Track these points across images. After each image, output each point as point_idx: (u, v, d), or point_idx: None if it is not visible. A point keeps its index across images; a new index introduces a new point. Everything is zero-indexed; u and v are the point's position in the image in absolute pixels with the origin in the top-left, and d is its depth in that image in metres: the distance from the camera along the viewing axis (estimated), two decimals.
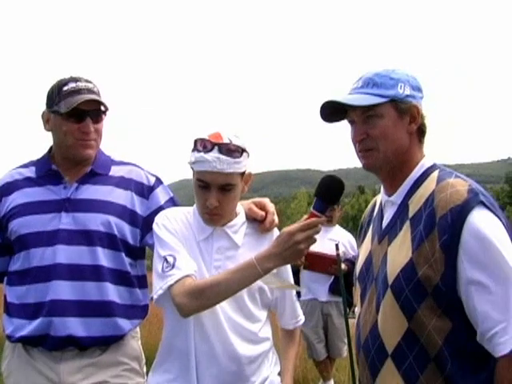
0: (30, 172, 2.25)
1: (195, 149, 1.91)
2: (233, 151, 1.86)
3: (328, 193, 1.79)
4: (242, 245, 1.99)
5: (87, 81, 2.19)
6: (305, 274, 5.61)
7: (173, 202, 2.32)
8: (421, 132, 1.65)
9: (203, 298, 1.82)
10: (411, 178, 1.64)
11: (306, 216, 1.81)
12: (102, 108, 2.18)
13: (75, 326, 2.08)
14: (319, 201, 1.78)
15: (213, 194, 1.88)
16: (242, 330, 1.95)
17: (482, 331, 1.45)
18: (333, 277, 5.43)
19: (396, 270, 1.55)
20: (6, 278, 2.24)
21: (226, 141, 1.86)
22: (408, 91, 1.62)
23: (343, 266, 4.99)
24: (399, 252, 1.57)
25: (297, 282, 5.84)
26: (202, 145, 1.88)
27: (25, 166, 2.29)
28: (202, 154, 1.86)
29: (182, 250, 1.91)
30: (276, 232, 2.07)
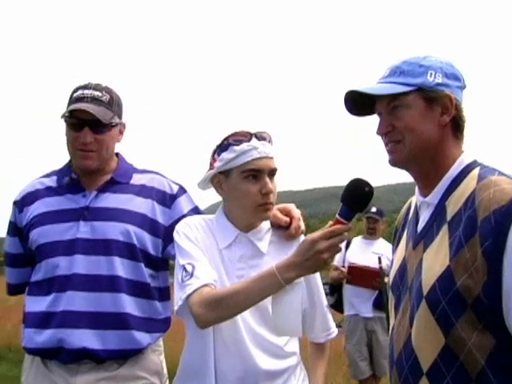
0: (52, 181, 2.24)
1: (230, 145, 1.85)
2: (268, 138, 1.89)
3: (354, 198, 1.62)
4: (267, 253, 1.90)
5: (98, 89, 2.14)
6: (347, 289, 5.50)
7: (197, 212, 2.25)
8: (456, 125, 1.48)
9: (221, 308, 1.72)
10: (449, 176, 1.47)
11: (331, 222, 1.66)
12: (104, 120, 2.10)
13: (90, 339, 2.02)
14: (345, 207, 1.62)
15: (266, 180, 1.84)
16: (265, 343, 1.84)
17: None
18: (377, 291, 5.29)
19: (432, 280, 1.39)
20: (26, 289, 2.23)
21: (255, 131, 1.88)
22: (439, 79, 1.46)
23: (386, 279, 4.81)
24: (435, 259, 1.41)
25: (339, 296, 5.75)
26: (239, 138, 1.85)
27: (47, 175, 2.28)
28: (243, 145, 1.83)
29: (201, 258, 1.83)
30: (302, 238, 1.95)
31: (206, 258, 1.83)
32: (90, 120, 2.08)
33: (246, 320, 1.83)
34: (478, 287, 1.30)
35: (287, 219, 1.95)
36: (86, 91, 2.12)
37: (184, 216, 2.17)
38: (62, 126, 2.18)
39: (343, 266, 5.43)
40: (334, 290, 5.78)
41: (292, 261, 1.67)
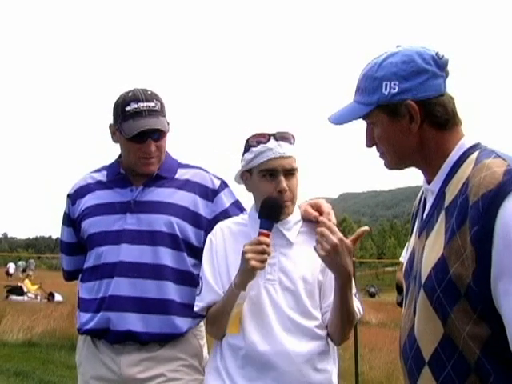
0: (102, 176, 2.40)
1: (250, 146, 2.00)
2: (287, 138, 1.99)
3: (268, 212, 1.94)
4: (296, 243, 2.01)
5: (148, 99, 2.21)
6: None
7: (237, 206, 2.36)
8: (433, 122, 1.42)
9: (216, 324, 2.01)
10: (449, 162, 1.43)
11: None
12: (166, 129, 2.23)
13: (134, 322, 2.17)
14: (263, 220, 1.94)
15: (281, 178, 1.95)
16: (296, 326, 1.93)
17: (510, 340, 1.24)
18: None
19: (428, 268, 1.37)
20: (80, 275, 2.41)
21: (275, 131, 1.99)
22: (395, 89, 1.41)
23: None
24: (433, 247, 1.38)
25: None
26: (258, 139, 1.98)
27: (97, 170, 2.45)
28: (260, 146, 1.96)
29: (210, 274, 2.03)
30: None
31: (216, 271, 2.03)
32: (152, 131, 2.20)
33: (278, 304, 1.93)
34: (469, 275, 1.27)
35: (317, 214, 2.04)
36: (141, 104, 2.19)
37: (226, 210, 2.32)
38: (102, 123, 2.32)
39: None
40: (401, 290, 5.72)
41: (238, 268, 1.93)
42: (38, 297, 18.24)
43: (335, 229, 1.85)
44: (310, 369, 1.92)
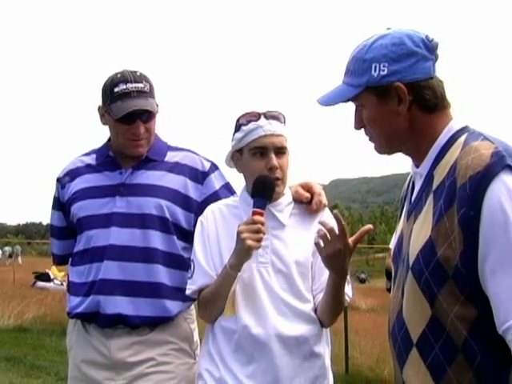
0: (91, 159, 2.38)
1: (240, 125, 1.99)
2: (277, 117, 1.99)
3: (261, 190, 1.94)
4: (289, 224, 2.01)
5: (137, 80, 2.19)
6: None
7: (228, 188, 2.35)
8: (422, 105, 1.42)
9: (208, 307, 2.01)
10: (437, 145, 1.43)
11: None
12: (155, 110, 2.22)
13: (124, 305, 2.16)
14: (256, 198, 1.93)
15: (271, 156, 1.95)
16: (289, 308, 1.93)
17: (497, 322, 1.25)
18: None
19: (416, 250, 1.38)
20: (70, 259, 2.40)
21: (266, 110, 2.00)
22: (384, 70, 1.41)
23: None
24: (421, 230, 1.39)
25: None
26: (248, 118, 1.98)
27: (87, 154, 2.43)
28: (250, 124, 1.96)
29: (202, 257, 2.01)
30: (327, 213, 2.05)
31: (209, 254, 2.01)
32: (141, 112, 2.18)
33: (271, 286, 1.93)
34: (456, 257, 1.28)
35: (308, 195, 2.04)
36: (129, 85, 2.16)
37: (216, 192, 2.30)
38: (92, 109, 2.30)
39: None
40: (390, 275, 5.77)
41: (233, 249, 1.91)
42: (64, 283, 18.19)
43: (336, 231, 1.76)
44: (304, 352, 1.92)
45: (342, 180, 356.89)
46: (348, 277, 1.96)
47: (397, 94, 1.41)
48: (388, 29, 1.49)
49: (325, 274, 1.93)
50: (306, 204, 2.05)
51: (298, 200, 2.06)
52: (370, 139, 1.54)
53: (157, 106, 2.24)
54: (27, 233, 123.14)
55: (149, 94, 2.21)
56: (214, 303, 1.97)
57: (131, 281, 2.18)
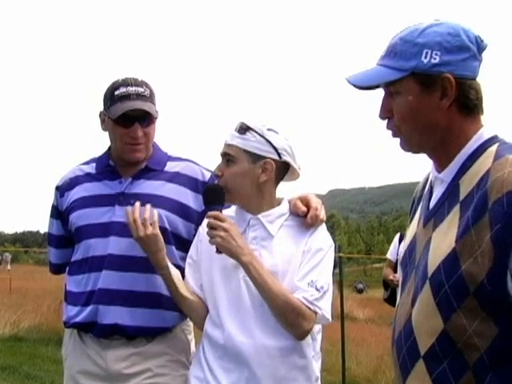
0: (91, 168, 2.38)
1: None
2: (244, 129, 2.00)
3: (211, 197, 2.04)
4: (277, 236, 2.00)
5: (138, 84, 2.20)
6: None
7: None
8: (463, 105, 1.34)
9: (183, 310, 2.13)
10: (464, 152, 1.35)
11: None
12: (154, 114, 2.22)
13: (121, 315, 2.15)
14: (208, 206, 2.05)
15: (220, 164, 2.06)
16: (274, 320, 1.92)
17: None
18: None
19: (437, 261, 1.31)
20: (67, 268, 2.39)
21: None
22: (436, 59, 1.31)
23: None
24: (444, 239, 1.32)
25: (392, 292, 5.69)
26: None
27: (86, 162, 2.43)
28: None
29: (192, 264, 2.12)
30: (322, 227, 2.05)
31: (198, 263, 2.10)
32: (139, 116, 2.18)
33: (256, 296, 1.92)
34: (482, 273, 1.22)
35: (304, 209, 2.03)
36: (130, 88, 2.18)
37: None
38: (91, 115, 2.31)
39: (397, 259, 5.38)
40: (387, 286, 5.76)
41: None
42: None
43: (223, 216, 1.96)
44: (286, 364, 1.92)
45: (340, 190, 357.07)
46: (324, 289, 1.92)
47: (442, 86, 1.33)
48: (437, 20, 1.40)
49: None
50: (303, 217, 2.04)
51: (294, 213, 2.06)
52: (393, 134, 1.43)
53: (156, 112, 2.24)
54: (24, 241, 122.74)
55: (149, 98, 2.22)
56: (179, 305, 2.10)
57: (130, 291, 2.17)
